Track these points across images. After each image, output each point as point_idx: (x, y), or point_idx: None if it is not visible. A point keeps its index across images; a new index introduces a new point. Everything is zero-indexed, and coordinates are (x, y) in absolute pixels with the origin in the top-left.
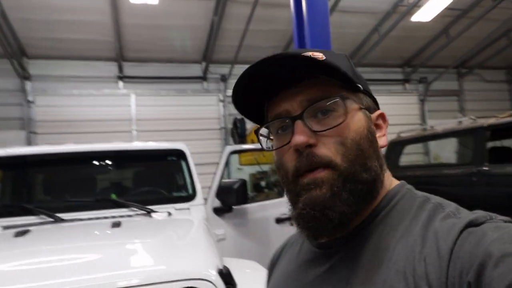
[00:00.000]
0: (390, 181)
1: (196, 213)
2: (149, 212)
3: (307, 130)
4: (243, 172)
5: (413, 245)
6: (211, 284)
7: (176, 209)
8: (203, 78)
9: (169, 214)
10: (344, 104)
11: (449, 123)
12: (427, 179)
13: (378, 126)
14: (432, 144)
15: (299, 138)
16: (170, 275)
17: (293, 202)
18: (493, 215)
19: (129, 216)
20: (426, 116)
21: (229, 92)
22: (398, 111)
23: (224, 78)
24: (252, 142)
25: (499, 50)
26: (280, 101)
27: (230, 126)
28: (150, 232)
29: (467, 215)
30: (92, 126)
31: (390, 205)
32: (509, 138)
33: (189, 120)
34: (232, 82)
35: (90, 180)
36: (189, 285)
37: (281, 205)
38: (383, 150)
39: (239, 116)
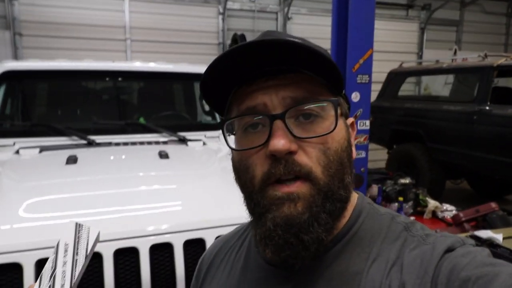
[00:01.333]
0: (353, 194)
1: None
2: (183, 140)
3: (289, 134)
4: None
5: (389, 271)
6: None
7: (207, 137)
8: None
9: (204, 143)
10: (334, 110)
11: (445, 56)
12: (426, 112)
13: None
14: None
15: (280, 143)
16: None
17: (258, 215)
18: (464, 239)
19: (164, 143)
20: (424, 46)
21: (230, 4)
22: (398, 38)
23: None
24: None
25: None
26: (256, 91)
27: (229, 41)
28: (204, 166)
29: (440, 240)
30: (83, 31)
31: (358, 223)
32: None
33: (185, 32)
34: None
35: (115, 101)
36: None
37: None
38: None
39: (240, 32)
